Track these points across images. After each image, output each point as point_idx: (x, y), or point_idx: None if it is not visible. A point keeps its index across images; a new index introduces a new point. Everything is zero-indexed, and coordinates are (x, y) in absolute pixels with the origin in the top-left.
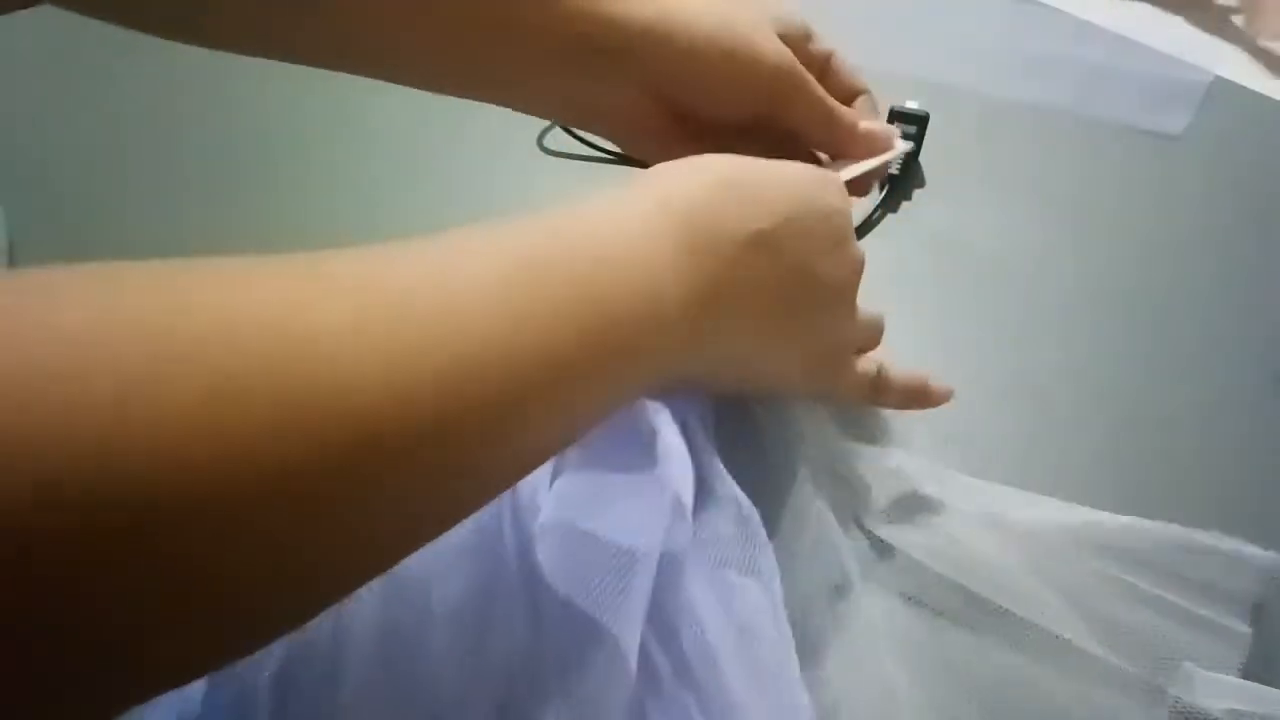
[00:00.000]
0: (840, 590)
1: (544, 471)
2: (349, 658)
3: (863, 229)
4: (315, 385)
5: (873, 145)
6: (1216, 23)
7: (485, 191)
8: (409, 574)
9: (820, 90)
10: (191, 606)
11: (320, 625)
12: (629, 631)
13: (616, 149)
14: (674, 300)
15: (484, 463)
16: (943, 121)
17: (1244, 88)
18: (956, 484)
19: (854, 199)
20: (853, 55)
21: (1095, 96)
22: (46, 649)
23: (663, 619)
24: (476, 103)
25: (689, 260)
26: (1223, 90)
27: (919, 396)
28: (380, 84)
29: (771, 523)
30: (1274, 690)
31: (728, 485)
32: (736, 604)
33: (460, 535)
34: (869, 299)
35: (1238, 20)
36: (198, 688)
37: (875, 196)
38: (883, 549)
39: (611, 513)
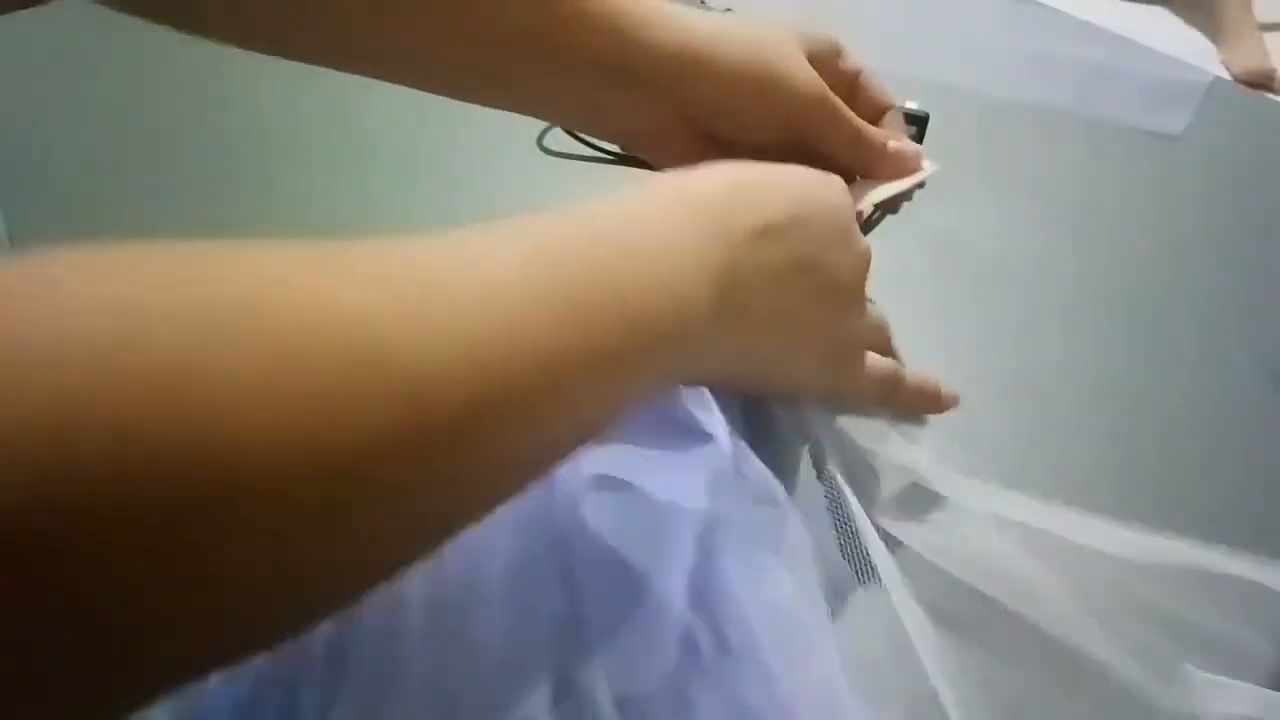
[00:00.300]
0: (839, 588)
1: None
2: (404, 628)
3: (863, 229)
4: (359, 369)
5: (902, 165)
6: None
7: (485, 191)
8: (457, 541)
9: (849, 115)
10: (260, 586)
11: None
12: (674, 586)
13: (616, 149)
14: (693, 287)
15: (518, 448)
16: (943, 121)
17: (1243, 87)
18: (971, 488)
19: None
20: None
21: (1095, 96)
22: (122, 621)
23: (702, 589)
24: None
25: (706, 249)
26: (1223, 90)
27: (931, 401)
28: (379, 83)
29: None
30: None
31: (757, 468)
32: (770, 581)
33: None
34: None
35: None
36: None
37: None
38: (891, 544)
39: (654, 477)
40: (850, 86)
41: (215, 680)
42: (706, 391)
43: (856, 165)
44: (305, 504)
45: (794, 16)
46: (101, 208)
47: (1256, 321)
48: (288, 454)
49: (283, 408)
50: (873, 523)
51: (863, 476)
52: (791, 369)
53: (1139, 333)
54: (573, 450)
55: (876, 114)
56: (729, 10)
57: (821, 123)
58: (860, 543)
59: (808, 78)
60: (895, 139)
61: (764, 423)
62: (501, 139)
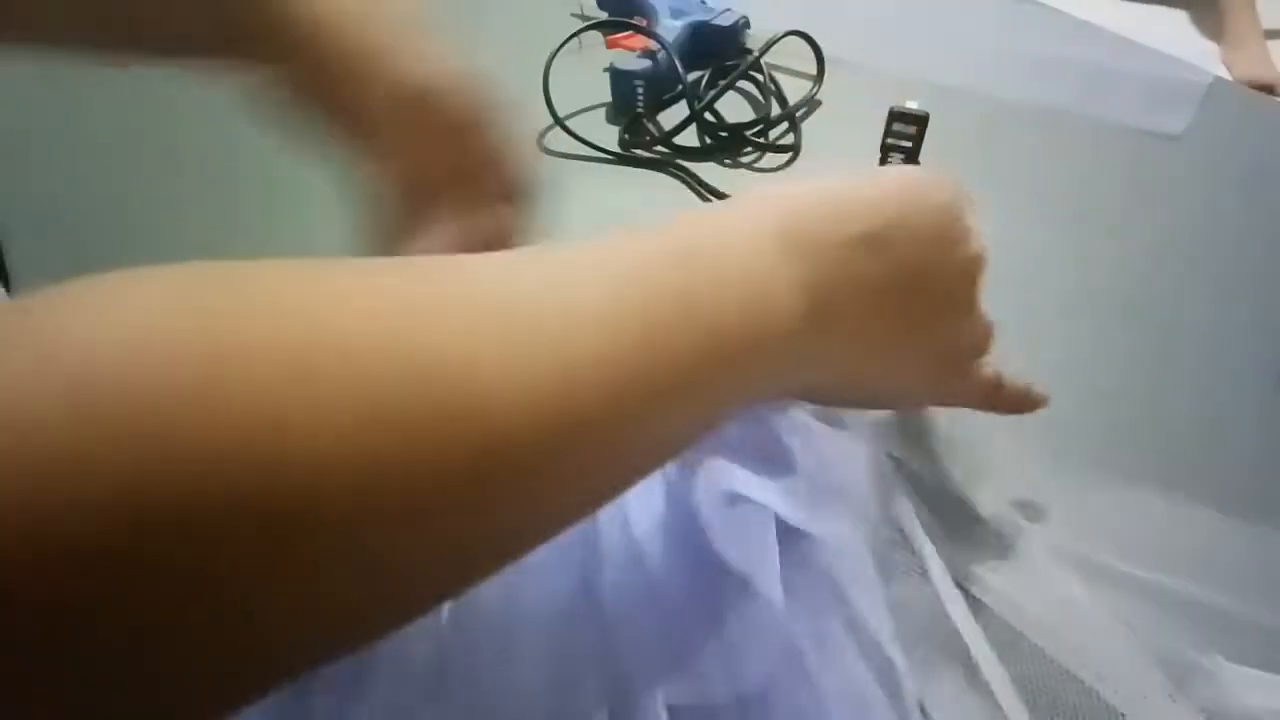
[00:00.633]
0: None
1: None
2: (519, 628)
3: None
4: (457, 420)
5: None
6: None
7: None
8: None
9: (457, 106)
10: (321, 616)
11: (487, 600)
12: (775, 590)
13: (616, 149)
14: (784, 304)
15: (595, 475)
16: (943, 121)
17: (1244, 87)
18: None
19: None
20: (853, 55)
21: (1095, 96)
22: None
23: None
24: None
25: (794, 268)
26: (1223, 90)
27: (1025, 401)
28: None
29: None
30: None
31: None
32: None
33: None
34: None
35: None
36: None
37: None
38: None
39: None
40: (475, 166)
41: None
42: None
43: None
44: (381, 541)
45: (792, 18)
46: (98, 205)
47: (1257, 321)
48: (370, 498)
49: (374, 456)
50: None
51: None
52: (895, 381)
53: (1139, 333)
54: (650, 471)
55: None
56: (728, 10)
57: (424, 112)
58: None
59: (421, 66)
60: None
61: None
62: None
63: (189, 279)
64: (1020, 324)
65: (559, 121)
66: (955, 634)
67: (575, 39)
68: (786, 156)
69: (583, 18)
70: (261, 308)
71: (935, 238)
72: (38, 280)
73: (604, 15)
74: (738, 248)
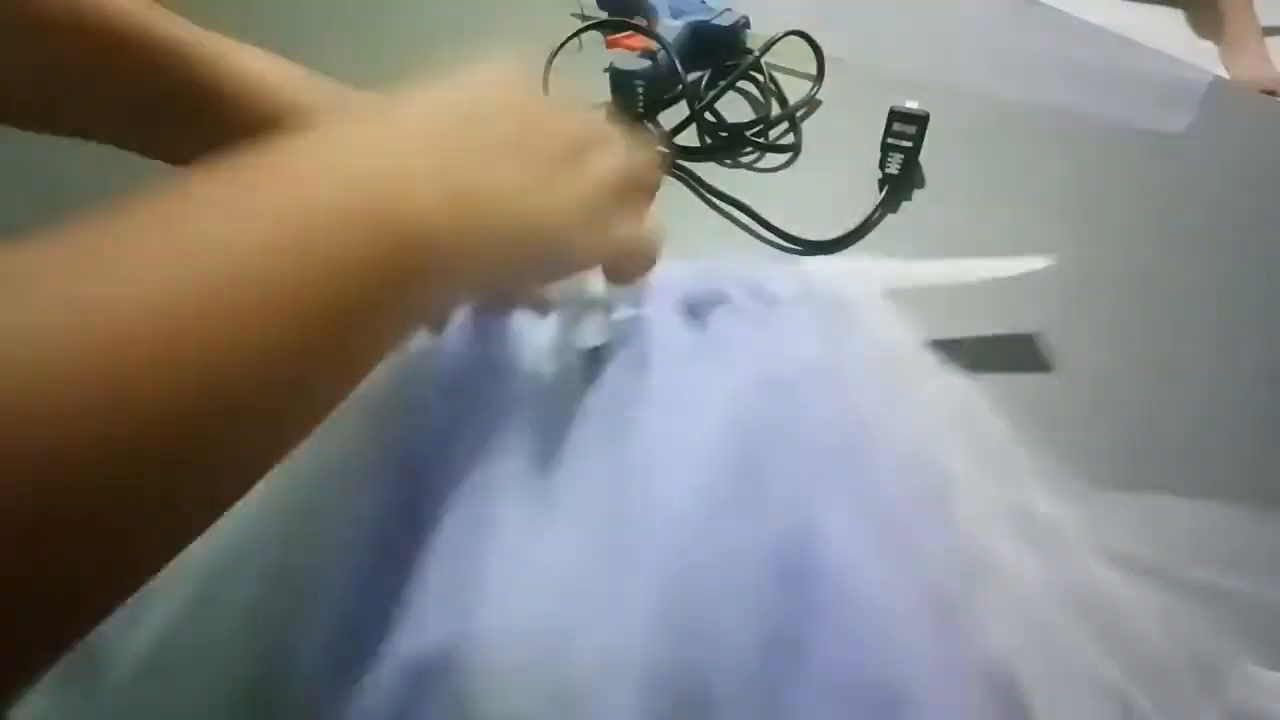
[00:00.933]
0: None
1: None
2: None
3: (863, 229)
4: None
5: None
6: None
7: None
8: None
9: None
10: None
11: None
12: None
13: None
14: (430, 197)
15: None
16: (943, 121)
17: (1244, 87)
18: None
19: None
20: (853, 55)
21: (1095, 96)
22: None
23: None
24: None
25: (417, 162)
26: (1223, 90)
27: (641, 254)
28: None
29: None
30: None
31: None
32: None
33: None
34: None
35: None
36: None
37: (876, 196)
38: None
39: None
40: None
41: None
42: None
43: None
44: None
45: (792, 18)
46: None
47: (1257, 321)
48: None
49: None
50: None
51: None
52: (560, 237)
53: (1139, 332)
54: (341, 391)
55: None
56: (728, 10)
57: None
58: None
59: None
60: None
61: None
62: None
63: None
64: (1020, 324)
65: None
66: None
67: (575, 39)
68: (786, 156)
69: (583, 18)
70: None
71: (519, 96)
72: None
73: (604, 15)
74: (361, 175)
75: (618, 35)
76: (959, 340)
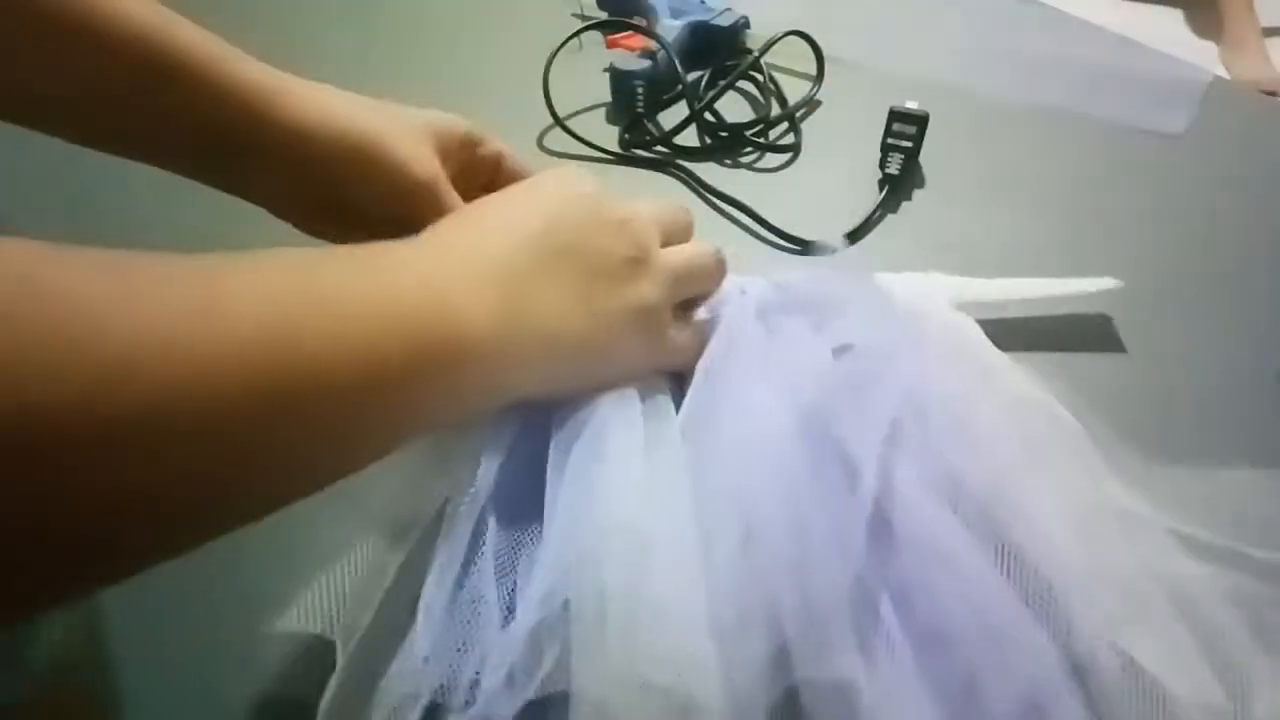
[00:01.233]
0: None
1: None
2: None
3: (863, 229)
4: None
5: None
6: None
7: None
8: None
9: (454, 203)
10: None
11: None
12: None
13: (616, 149)
14: (467, 314)
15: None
16: (943, 121)
17: (1244, 87)
18: None
19: None
20: (853, 55)
21: (1095, 96)
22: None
23: None
24: (477, 102)
25: (479, 272)
26: (1223, 90)
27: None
28: (380, 85)
29: None
30: None
31: None
32: None
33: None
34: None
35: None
36: None
37: (876, 196)
38: None
39: None
40: (492, 171)
41: None
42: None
43: None
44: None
45: (792, 18)
46: (95, 202)
47: (1257, 321)
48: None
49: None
50: None
51: None
52: (609, 346)
53: (1139, 332)
54: (337, 472)
55: None
56: (728, 10)
57: (431, 214)
58: None
59: (421, 168)
60: None
61: None
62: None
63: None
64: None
65: (559, 121)
66: None
67: (575, 39)
68: (786, 156)
69: (583, 18)
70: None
71: (582, 219)
72: None
73: (604, 15)
74: (408, 271)
75: (618, 35)
76: (1029, 319)
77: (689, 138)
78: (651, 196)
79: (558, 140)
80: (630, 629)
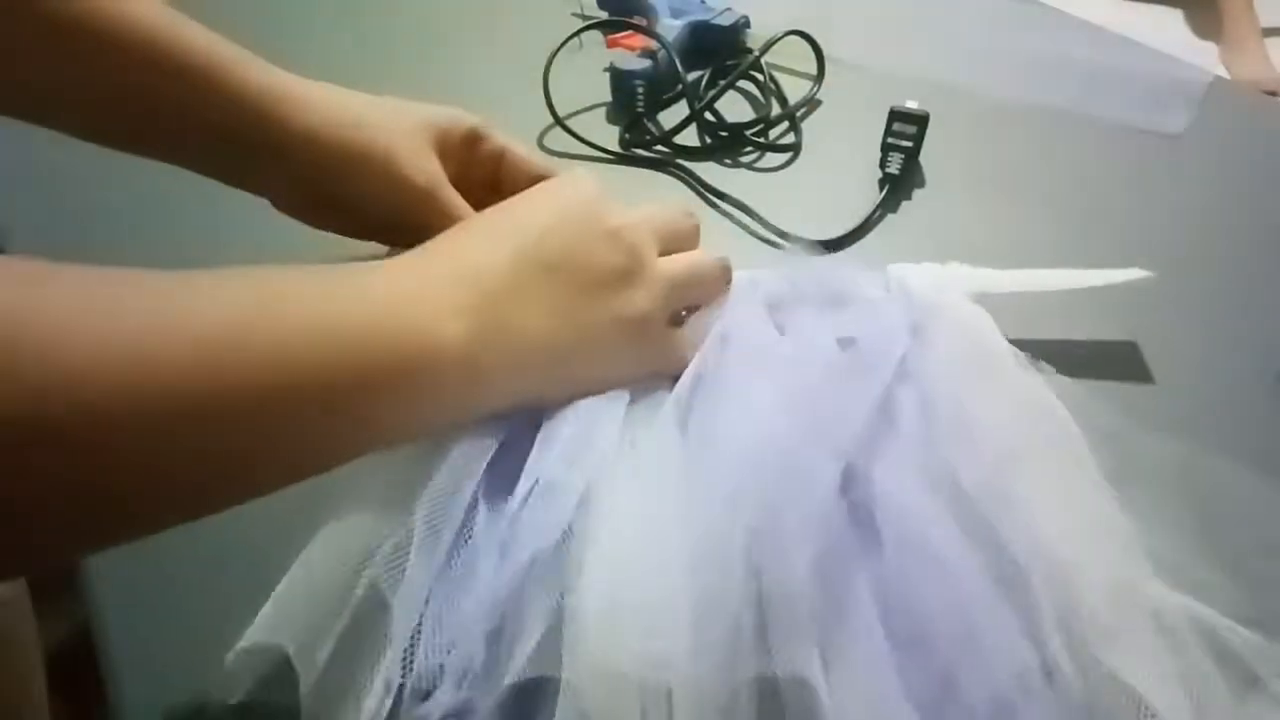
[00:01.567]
0: None
1: None
2: None
3: (863, 229)
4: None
5: None
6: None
7: None
8: None
9: (456, 208)
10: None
11: None
12: None
13: (616, 149)
14: (435, 324)
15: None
16: (943, 121)
17: (1244, 87)
18: None
19: None
20: (853, 55)
21: (1095, 96)
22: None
23: None
24: (477, 102)
25: (455, 296)
26: (1223, 90)
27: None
28: (380, 85)
29: None
30: None
31: None
32: None
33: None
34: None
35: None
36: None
37: (876, 196)
38: None
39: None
40: (495, 167)
41: None
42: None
43: None
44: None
45: (792, 18)
46: (92, 200)
47: (1257, 321)
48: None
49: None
50: None
51: None
52: (600, 356)
53: (1138, 332)
54: (290, 475)
55: (531, 184)
56: (728, 10)
57: (428, 214)
58: None
59: (419, 170)
60: None
61: None
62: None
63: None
64: (1019, 323)
65: (559, 121)
66: None
67: (575, 39)
68: (786, 156)
69: (583, 17)
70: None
71: (577, 229)
72: None
73: (604, 15)
74: (384, 283)
75: (618, 35)
76: (1053, 342)
77: (689, 137)
78: (652, 196)
79: (558, 140)
80: (614, 621)
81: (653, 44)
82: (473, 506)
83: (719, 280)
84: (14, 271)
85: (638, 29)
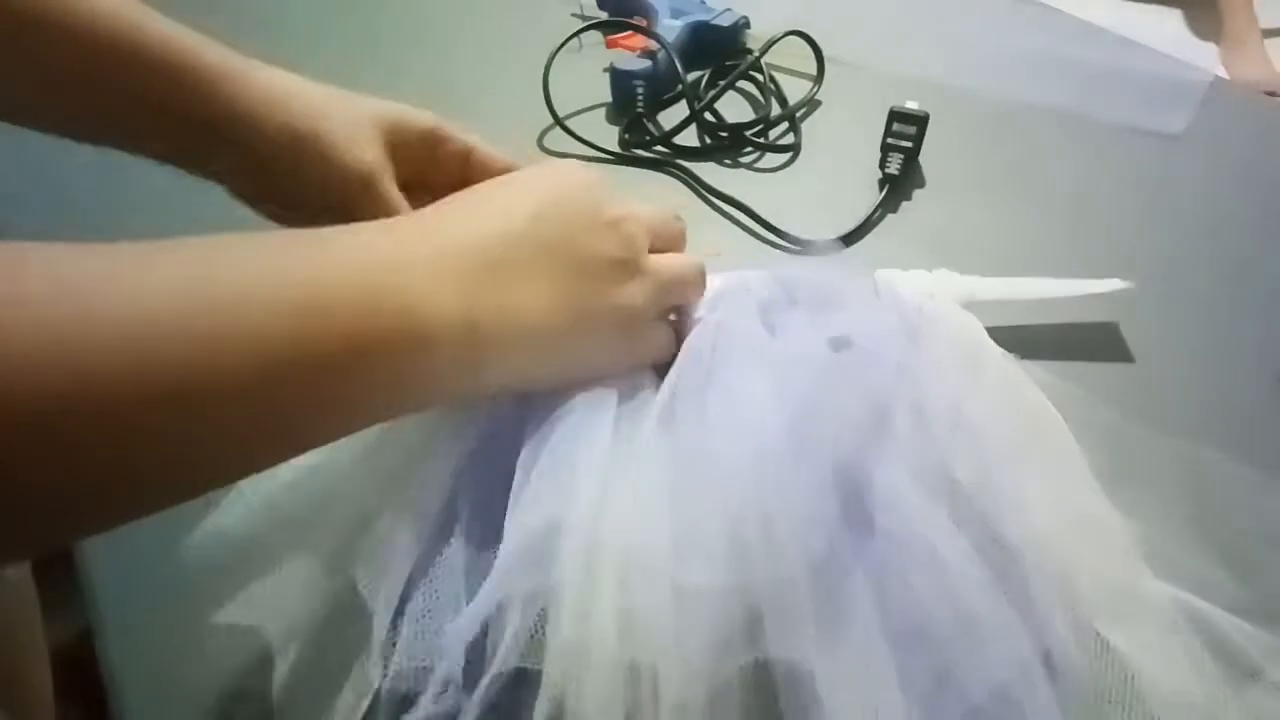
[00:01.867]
0: None
1: None
2: None
3: (863, 229)
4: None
5: None
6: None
7: None
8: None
9: (392, 201)
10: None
11: None
12: None
13: (616, 149)
14: (430, 302)
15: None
16: (943, 121)
17: (1244, 87)
18: None
19: None
20: (853, 55)
21: (1095, 96)
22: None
23: None
24: (477, 102)
25: (442, 268)
26: (1223, 90)
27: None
28: (380, 85)
29: None
30: None
31: None
32: None
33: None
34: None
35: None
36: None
37: (876, 196)
38: None
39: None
40: (461, 167)
41: None
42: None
43: None
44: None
45: (792, 18)
46: (94, 200)
47: (1256, 321)
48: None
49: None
50: None
51: None
52: (589, 343)
53: (1138, 333)
54: (276, 448)
55: None
56: (728, 10)
57: (364, 203)
58: None
59: (355, 158)
60: None
61: None
62: (500, 139)
63: None
64: (1019, 323)
65: (559, 121)
66: None
67: (575, 39)
68: (786, 156)
69: (583, 18)
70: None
71: (575, 216)
72: None
73: (604, 15)
74: (383, 257)
75: (618, 35)
76: (1036, 327)
77: (689, 138)
78: (652, 197)
79: (558, 140)
80: (594, 609)
81: (652, 44)
82: (455, 503)
83: (700, 284)
84: None
85: (637, 29)
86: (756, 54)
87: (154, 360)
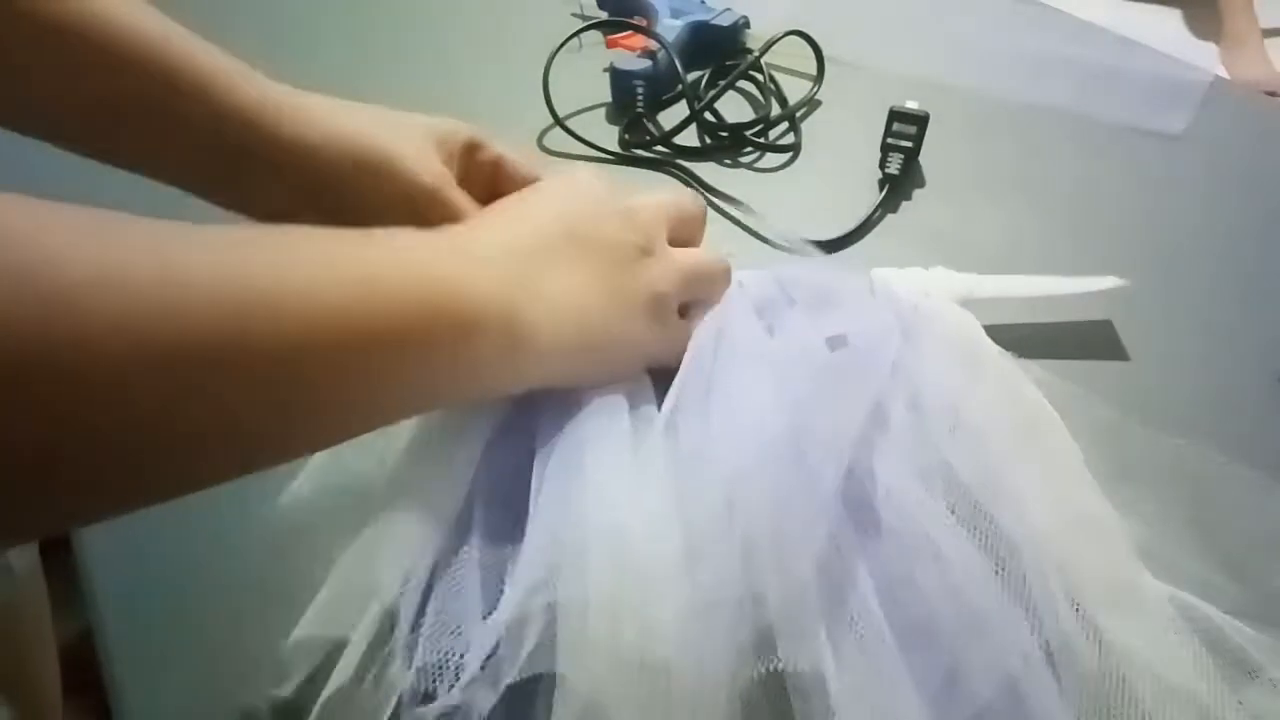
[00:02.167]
0: None
1: None
2: None
3: (863, 229)
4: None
5: None
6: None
7: None
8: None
9: (463, 207)
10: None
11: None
12: None
13: (616, 149)
14: (484, 283)
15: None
16: (943, 121)
17: (1244, 87)
18: None
19: None
20: (853, 55)
21: (1095, 96)
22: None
23: None
24: (477, 102)
25: (484, 254)
26: (1223, 90)
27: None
28: (379, 92)
29: None
30: None
31: None
32: None
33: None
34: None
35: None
36: None
37: (876, 196)
38: None
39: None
40: (492, 174)
41: None
42: None
43: None
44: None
45: (792, 18)
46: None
47: (1257, 321)
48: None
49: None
50: None
51: None
52: (626, 333)
53: (1138, 333)
54: (323, 430)
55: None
56: (728, 10)
57: (437, 212)
58: None
59: (425, 170)
60: None
61: None
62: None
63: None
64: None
65: (559, 121)
66: None
67: (575, 39)
68: (786, 156)
69: (583, 18)
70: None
71: (588, 208)
72: None
73: (604, 15)
74: (428, 260)
75: (618, 35)
76: (1031, 325)
77: (689, 138)
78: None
79: (558, 140)
80: (614, 614)
81: (652, 44)
82: (471, 500)
83: (723, 281)
84: (21, 206)
85: (637, 29)
86: (756, 54)
87: (202, 330)
